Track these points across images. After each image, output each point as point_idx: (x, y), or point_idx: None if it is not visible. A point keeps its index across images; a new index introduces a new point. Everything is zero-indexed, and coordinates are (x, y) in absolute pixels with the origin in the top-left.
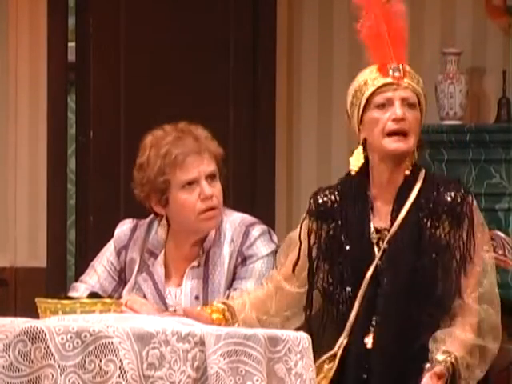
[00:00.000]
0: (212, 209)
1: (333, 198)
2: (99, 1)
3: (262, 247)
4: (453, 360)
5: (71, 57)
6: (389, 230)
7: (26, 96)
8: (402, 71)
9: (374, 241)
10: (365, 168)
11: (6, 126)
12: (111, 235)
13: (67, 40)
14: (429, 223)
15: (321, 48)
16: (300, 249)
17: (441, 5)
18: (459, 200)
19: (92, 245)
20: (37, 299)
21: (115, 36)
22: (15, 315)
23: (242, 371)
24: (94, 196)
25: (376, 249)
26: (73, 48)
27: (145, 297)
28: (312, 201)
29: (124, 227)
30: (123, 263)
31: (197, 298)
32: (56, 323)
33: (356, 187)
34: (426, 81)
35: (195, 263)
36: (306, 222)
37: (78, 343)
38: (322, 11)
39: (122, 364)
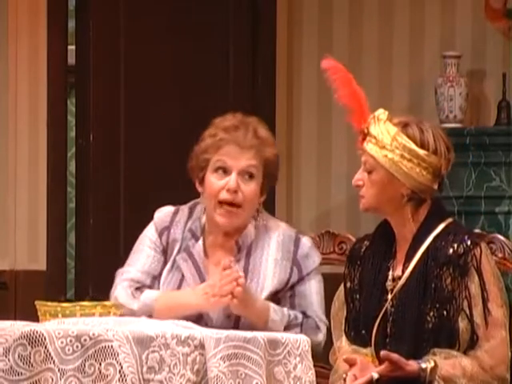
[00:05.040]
0: (232, 204)
1: (366, 243)
2: (99, 4)
3: (316, 258)
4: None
5: (71, 60)
6: (401, 279)
7: (25, 99)
8: (362, 135)
9: (389, 288)
10: None
11: (5, 128)
12: (111, 238)
13: (67, 43)
14: (434, 273)
15: (321, 47)
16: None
17: (441, 8)
18: (461, 252)
19: (92, 248)
20: (36, 302)
21: (115, 39)
22: (15, 318)
23: (241, 374)
24: (94, 199)
25: (389, 296)
26: (73, 51)
27: (183, 277)
28: (350, 248)
29: (165, 210)
30: (165, 244)
31: None
32: (56, 327)
33: (383, 235)
34: (425, 84)
35: (232, 258)
36: (344, 269)
37: (77, 347)
38: (322, 11)
39: (121, 367)
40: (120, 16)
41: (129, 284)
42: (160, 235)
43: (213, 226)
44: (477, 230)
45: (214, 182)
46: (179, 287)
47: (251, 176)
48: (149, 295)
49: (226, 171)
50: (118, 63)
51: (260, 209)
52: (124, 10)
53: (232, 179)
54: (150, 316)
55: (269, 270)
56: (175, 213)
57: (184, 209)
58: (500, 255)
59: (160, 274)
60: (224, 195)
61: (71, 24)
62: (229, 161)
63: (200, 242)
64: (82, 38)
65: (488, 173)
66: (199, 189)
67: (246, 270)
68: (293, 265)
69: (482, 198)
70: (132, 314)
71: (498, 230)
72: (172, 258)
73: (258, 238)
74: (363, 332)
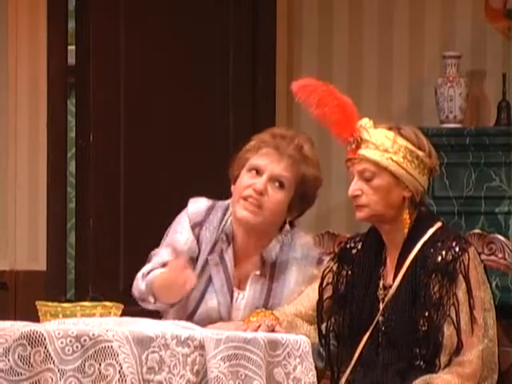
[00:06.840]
0: (252, 203)
1: (358, 246)
2: (99, 4)
3: None
4: None
5: (71, 60)
6: (391, 288)
7: (25, 99)
8: (355, 143)
9: (381, 297)
10: None
11: (6, 129)
12: (111, 238)
13: (67, 43)
14: (424, 281)
15: (321, 46)
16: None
17: (441, 8)
18: (450, 259)
19: (92, 248)
20: (37, 302)
21: (115, 39)
22: (15, 318)
23: (241, 375)
24: (94, 199)
25: (381, 305)
26: (73, 51)
27: (210, 279)
28: (341, 246)
29: (201, 205)
30: (197, 238)
31: (257, 308)
32: (55, 327)
33: (373, 242)
34: (425, 84)
35: (258, 272)
36: (329, 263)
37: (77, 347)
38: (322, 11)
39: (121, 368)
40: (120, 16)
41: (152, 265)
42: (192, 228)
43: (236, 228)
44: (477, 230)
45: (244, 180)
46: (205, 290)
47: (281, 186)
48: (154, 273)
49: (258, 173)
50: (118, 63)
51: (287, 228)
52: (124, 10)
53: (261, 181)
54: (154, 295)
55: (290, 292)
56: (210, 209)
57: (219, 208)
58: (500, 255)
59: (197, 259)
60: (248, 191)
61: (71, 24)
62: (263, 163)
63: (231, 247)
64: (82, 38)
65: (488, 173)
66: (233, 189)
67: (269, 287)
68: (313, 281)
69: (482, 198)
70: (141, 294)
71: (497, 230)
72: (204, 258)
73: (282, 255)
74: (356, 338)
